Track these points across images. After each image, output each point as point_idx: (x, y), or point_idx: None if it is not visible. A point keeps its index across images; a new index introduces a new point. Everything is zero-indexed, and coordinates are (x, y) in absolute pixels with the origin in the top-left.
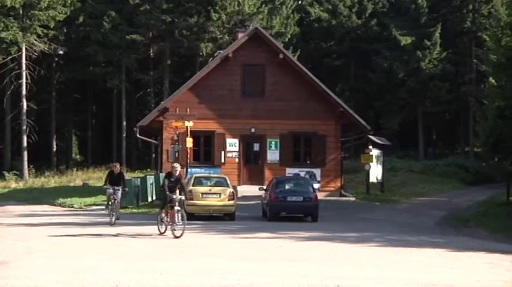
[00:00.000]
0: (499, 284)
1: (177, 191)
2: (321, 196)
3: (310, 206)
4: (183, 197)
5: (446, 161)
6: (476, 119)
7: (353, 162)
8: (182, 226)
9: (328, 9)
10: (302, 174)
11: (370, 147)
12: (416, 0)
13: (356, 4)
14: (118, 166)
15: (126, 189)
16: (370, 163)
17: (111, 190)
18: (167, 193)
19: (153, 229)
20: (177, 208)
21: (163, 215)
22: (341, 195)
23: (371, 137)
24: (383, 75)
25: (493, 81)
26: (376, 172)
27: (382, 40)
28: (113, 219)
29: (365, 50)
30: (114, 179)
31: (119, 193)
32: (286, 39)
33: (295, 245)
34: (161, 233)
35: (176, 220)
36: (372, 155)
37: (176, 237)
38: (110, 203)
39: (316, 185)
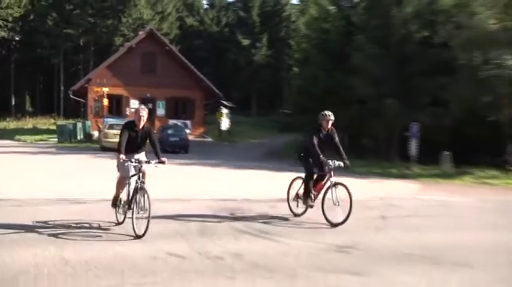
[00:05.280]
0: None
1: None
2: (191, 137)
3: (184, 144)
4: (341, 164)
5: (269, 118)
6: (288, 93)
7: (212, 117)
8: (346, 211)
9: (197, 20)
10: (179, 123)
11: (222, 107)
12: (252, 18)
13: (215, 17)
14: (144, 112)
15: (164, 159)
16: (222, 118)
17: (129, 165)
18: (320, 155)
19: (84, 157)
20: (333, 179)
21: (311, 190)
22: (203, 137)
23: (223, 101)
24: (231, 65)
25: (296, 69)
26: (225, 124)
27: (231, 41)
28: (142, 228)
29: (221, 47)
30: (136, 142)
31: (146, 170)
32: (171, 37)
33: (177, 167)
34: (296, 215)
35: (335, 199)
36: (223, 113)
37: (334, 225)
38: (129, 194)
39: (187, 131)
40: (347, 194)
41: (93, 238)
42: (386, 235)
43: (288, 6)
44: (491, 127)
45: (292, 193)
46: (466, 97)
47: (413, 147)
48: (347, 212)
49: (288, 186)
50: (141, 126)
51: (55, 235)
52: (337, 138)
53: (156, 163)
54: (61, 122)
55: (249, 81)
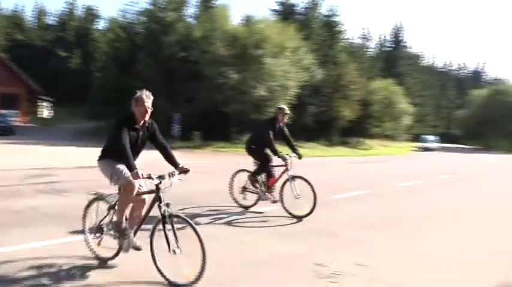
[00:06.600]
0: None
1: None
2: (18, 124)
3: (10, 128)
4: (296, 156)
5: (81, 108)
6: (93, 91)
7: (36, 107)
8: (310, 202)
9: (27, 36)
10: (7, 113)
11: (43, 101)
12: (68, 37)
13: (40, 35)
14: (150, 102)
15: (188, 168)
16: (43, 109)
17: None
18: (278, 151)
19: None
20: (291, 173)
21: (256, 183)
22: (28, 123)
23: (44, 96)
24: (54, 70)
25: (99, 74)
26: (46, 113)
27: (52, 54)
28: (190, 272)
29: (45, 57)
30: (136, 145)
31: (166, 184)
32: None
33: (4, 146)
34: (245, 207)
35: (295, 192)
36: (44, 105)
37: (299, 217)
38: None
39: (14, 118)
40: (308, 186)
41: None
42: (191, 186)
43: (94, 30)
44: (224, 115)
45: (236, 186)
46: (208, 96)
47: (175, 129)
48: (312, 204)
49: (230, 179)
50: (141, 123)
51: None
52: (287, 131)
53: (178, 174)
54: None
55: (67, 82)
